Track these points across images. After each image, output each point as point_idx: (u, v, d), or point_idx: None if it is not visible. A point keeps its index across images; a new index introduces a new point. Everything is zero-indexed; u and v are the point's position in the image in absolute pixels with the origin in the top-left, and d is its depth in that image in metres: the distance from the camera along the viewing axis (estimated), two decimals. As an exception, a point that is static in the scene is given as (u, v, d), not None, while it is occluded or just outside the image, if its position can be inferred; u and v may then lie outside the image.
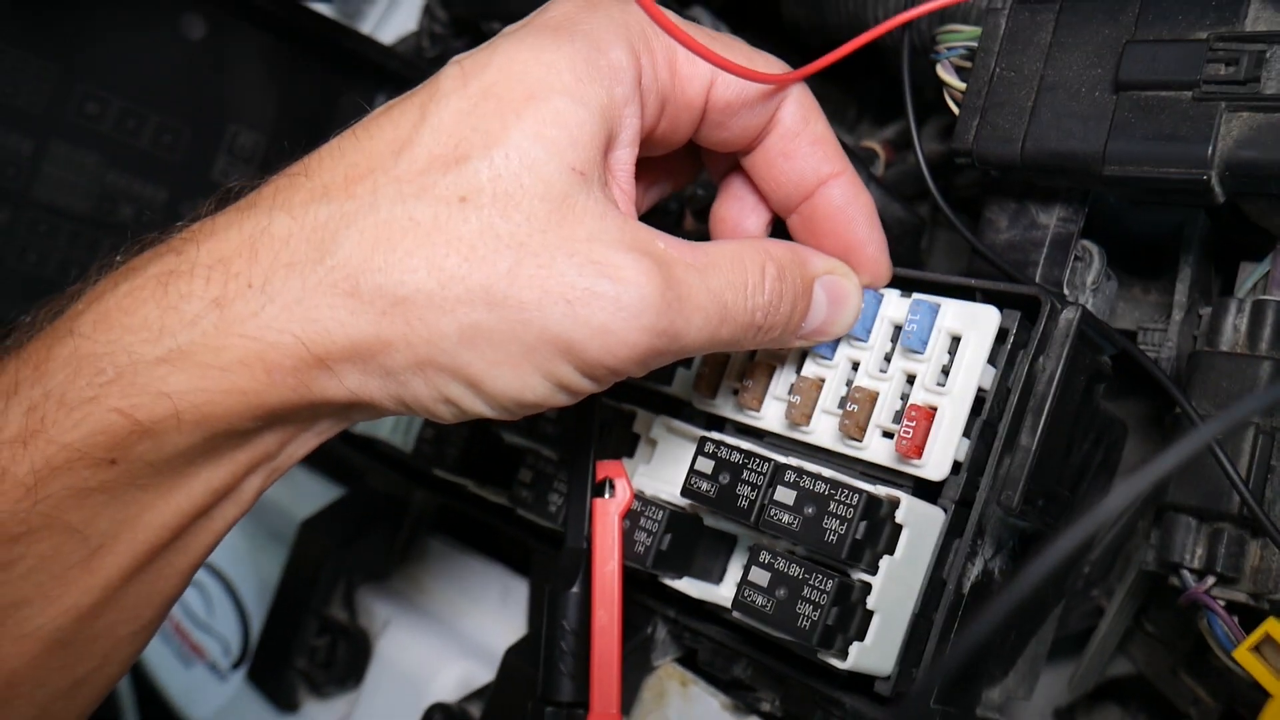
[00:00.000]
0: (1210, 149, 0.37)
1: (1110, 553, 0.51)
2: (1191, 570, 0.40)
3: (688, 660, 0.48)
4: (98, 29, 0.60)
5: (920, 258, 0.60)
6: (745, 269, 0.36)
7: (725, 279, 0.36)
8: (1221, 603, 0.39)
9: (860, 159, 0.54)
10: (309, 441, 0.37)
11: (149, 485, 0.34)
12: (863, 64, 0.69)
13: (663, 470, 0.46)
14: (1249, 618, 0.39)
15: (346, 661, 0.57)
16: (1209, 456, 0.38)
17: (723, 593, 0.44)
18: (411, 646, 0.56)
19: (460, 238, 0.33)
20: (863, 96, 0.74)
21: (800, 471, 0.39)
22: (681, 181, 0.45)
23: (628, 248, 0.33)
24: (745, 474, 0.40)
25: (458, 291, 0.32)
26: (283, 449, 0.36)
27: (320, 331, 0.33)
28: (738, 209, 0.43)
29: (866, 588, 0.37)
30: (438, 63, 0.69)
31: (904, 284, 0.42)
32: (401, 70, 0.68)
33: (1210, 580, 0.39)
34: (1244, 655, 0.36)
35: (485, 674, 0.53)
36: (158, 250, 0.34)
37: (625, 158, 0.37)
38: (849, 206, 0.41)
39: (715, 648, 0.45)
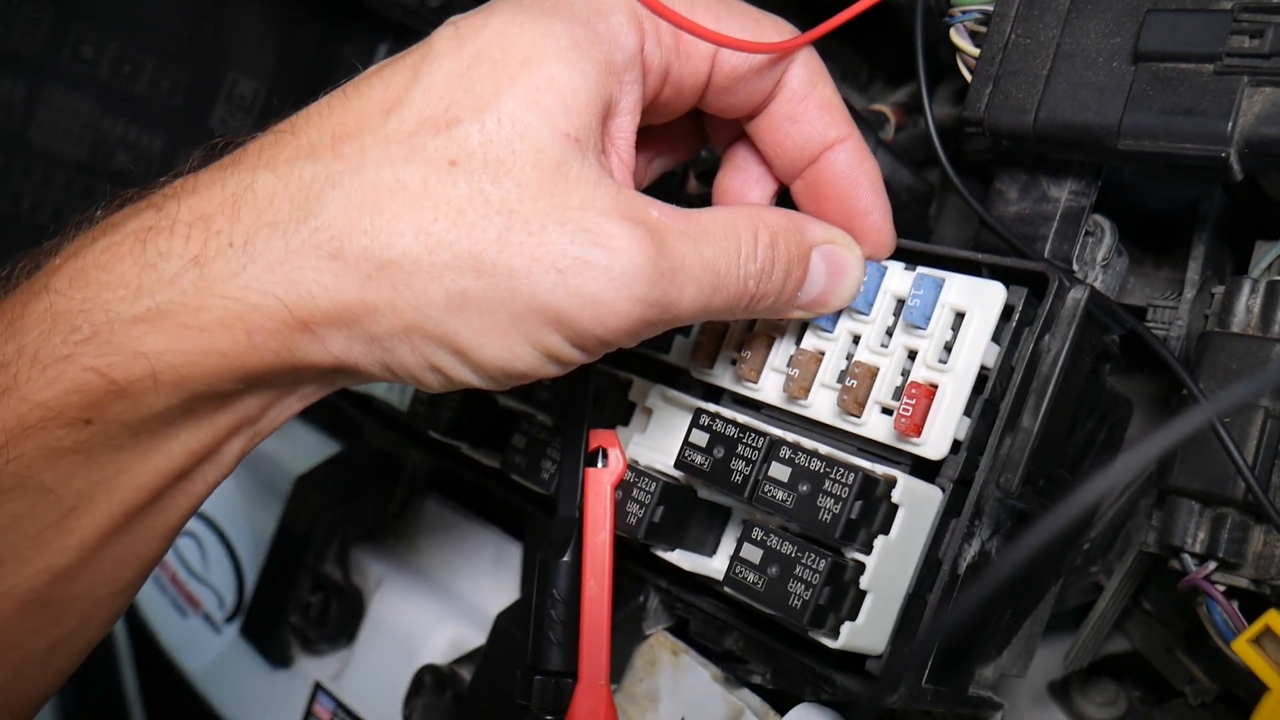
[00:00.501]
0: (1230, 125, 0.35)
1: (1111, 530, 0.50)
2: (1193, 554, 0.39)
3: (680, 630, 0.47)
4: None
5: (928, 226, 0.59)
6: (739, 236, 0.36)
7: (718, 247, 0.35)
8: (1222, 588, 0.38)
9: (869, 123, 0.53)
10: (292, 405, 0.36)
11: (125, 446, 0.33)
12: (875, 23, 0.68)
13: (657, 440, 0.45)
14: (1250, 603, 0.39)
15: (340, 619, 0.57)
16: (1215, 441, 0.37)
17: (716, 565, 0.43)
18: (404, 607, 0.55)
19: (449, 202, 0.32)
20: (874, 57, 0.72)
21: (796, 448, 0.38)
22: (685, 153, 0.44)
23: (621, 216, 0.33)
24: (740, 448, 0.39)
25: (445, 257, 0.32)
26: (264, 413, 0.36)
27: (303, 294, 0.32)
28: (741, 180, 0.42)
29: (860, 567, 0.37)
30: (442, 13, 0.68)
31: (908, 256, 0.41)
32: (405, 20, 0.67)
33: (1211, 565, 0.39)
34: (1242, 647, 0.35)
35: (477, 637, 0.52)
36: (137, 206, 0.33)
37: (625, 125, 0.36)
38: (853, 172, 0.40)
39: (707, 619, 0.45)
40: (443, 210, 0.32)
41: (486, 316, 0.32)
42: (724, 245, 0.35)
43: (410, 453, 0.61)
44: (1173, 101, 0.37)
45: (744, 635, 0.44)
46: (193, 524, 0.67)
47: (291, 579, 0.59)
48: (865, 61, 0.72)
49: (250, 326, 0.32)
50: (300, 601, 0.58)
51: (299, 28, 0.66)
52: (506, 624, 0.48)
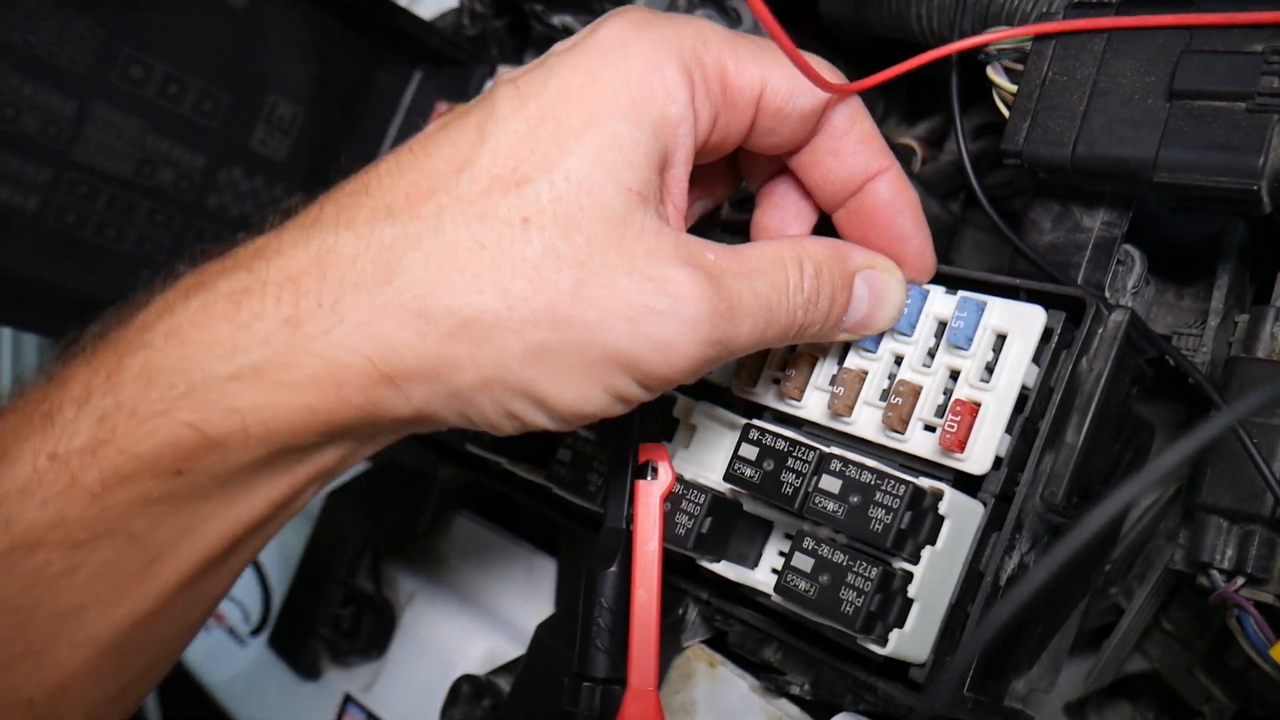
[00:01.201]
0: (1262, 160, 0.38)
1: (1131, 552, 0.52)
2: (1221, 570, 0.41)
3: (716, 642, 0.49)
4: None
5: (949, 257, 0.61)
6: (785, 269, 0.37)
7: (769, 281, 0.37)
8: (1250, 603, 0.40)
9: (902, 155, 0.55)
10: (365, 452, 0.38)
11: (212, 496, 0.34)
12: (892, 62, 0.70)
13: (701, 455, 0.47)
14: (1273, 618, 0.40)
15: (371, 631, 0.58)
16: (1244, 459, 0.39)
17: (758, 577, 0.44)
18: (437, 619, 0.56)
19: (525, 259, 0.33)
20: (890, 93, 0.75)
21: (845, 461, 0.40)
22: (724, 192, 0.46)
23: (682, 263, 0.34)
24: (790, 461, 0.41)
25: (524, 313, 0.33)
26: (342, 462, 0.37)
27: (390, 352, 0.33)
28: (780, 217, 0.43)
29: (908, 576, 0.38)
30: (477, 41, 0.70)
31: (948, 281, 0.43)
32: (441, 47, 0.69)
33: (1239, 581, 0.40)
34: None
35: (511, 649, 0.53)
36: (225, 265, 0.35)
37: (680, 175, 0.38)
38: (895, 200, 0.41)
39: (746, 630, 0.46)
40: (519, 267, 0.33)
41: (563, 366, 0.34)
42: (773, 279, 0.37)
43: (441, 469, 0.62)
44: (1206, 137, 0.39)
45: (784, 646, 0.45)
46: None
47: (321, 592, 0.60)
48: (881, 97, 0.74)
49: (340, 382, 0.33)
50: (331, 614, 0.59)
51: (336, 54, 0.68)
52: (546, 634, 0.49)
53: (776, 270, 0.37)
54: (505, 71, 0.62)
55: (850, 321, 0.41)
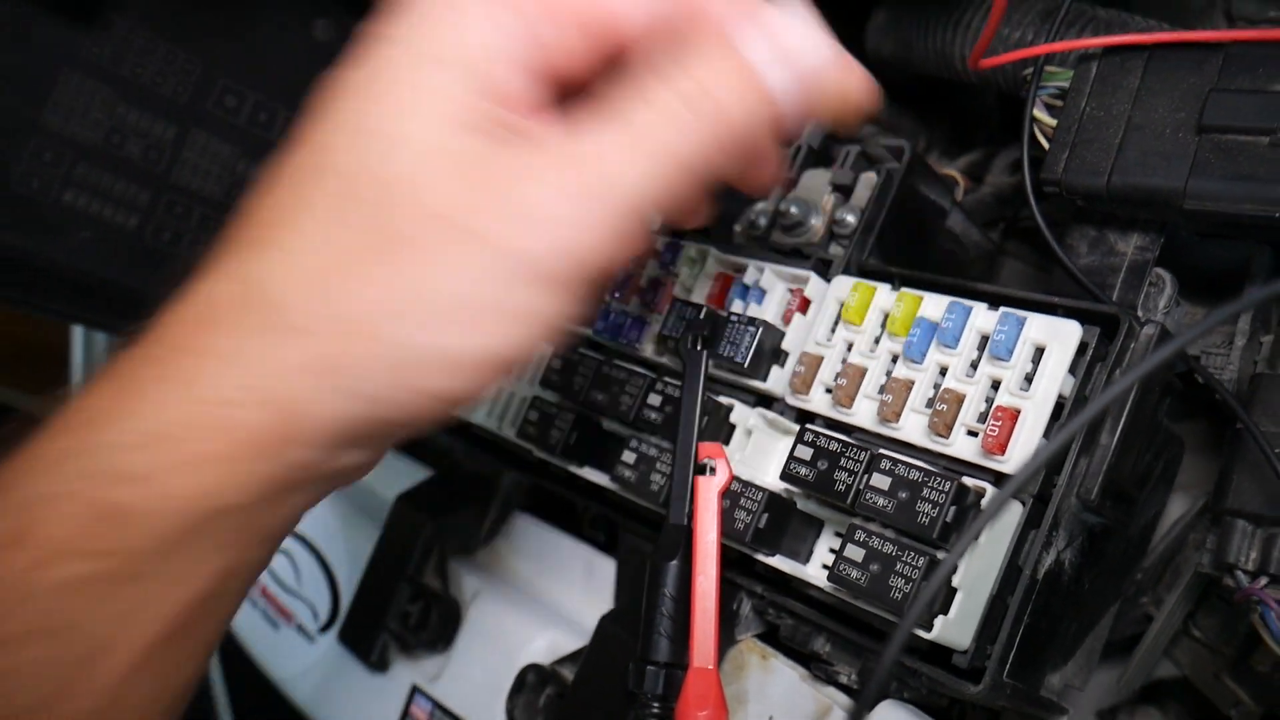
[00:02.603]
0: (1284, 189, 0.41)
1: (1161, 563, 0.55)
2: (1246, 571, 0.44)
3: (768, 636, 0.52)
4: (241, 29, 0.65)
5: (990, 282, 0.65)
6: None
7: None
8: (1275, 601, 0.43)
9: (945, 184, 0.58)
10: (306, 503, 0.36)
11: (145, 575, 0.32)
12: (936, 97, 0.74)
13: (755, 459, 0.50)
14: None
15: (438, 625, 0.61)
16: (1268, 468, 0.42)
17: (810, 571, 0.48)
18: (502, 614, 0.60)
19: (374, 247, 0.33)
20: (933, 127, 0.78)
21: (895, 460, 0.43)
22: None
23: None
24: (843, 461, 0.44)
25: (396, 299, 0.32)
26: (281, 517, 0.35)
27: (284, 387, 0.32)
28: None
29: (952, 566, 0.41)
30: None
31: (991, 298, 0.46)
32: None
33: (1263, 580, 0.43)
34: (1299, 644, 0.39)
35: (573, 642, 0.57)
36: (126, 345, 0.34)
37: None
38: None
39: (796, 623, 0.49)
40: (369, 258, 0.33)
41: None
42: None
43: (504, 475, 0.65)
44: (1233, 168, 0.42)
45: (833, 636, 0.48)
46: (287, 543, 0.72)
47: (391, 589, 0.63)
48: (924, 130, 0.78)
49: (245, 435, 0.32)
50: (400, 610, 0.62)
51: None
52: (610, 624, 0.52)
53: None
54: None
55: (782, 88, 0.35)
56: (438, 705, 0.59)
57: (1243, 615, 0.46)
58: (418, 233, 0.32)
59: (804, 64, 0.36)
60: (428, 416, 0.34)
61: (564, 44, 0.36)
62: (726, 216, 0.61)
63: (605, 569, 0.60)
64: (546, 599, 0.60)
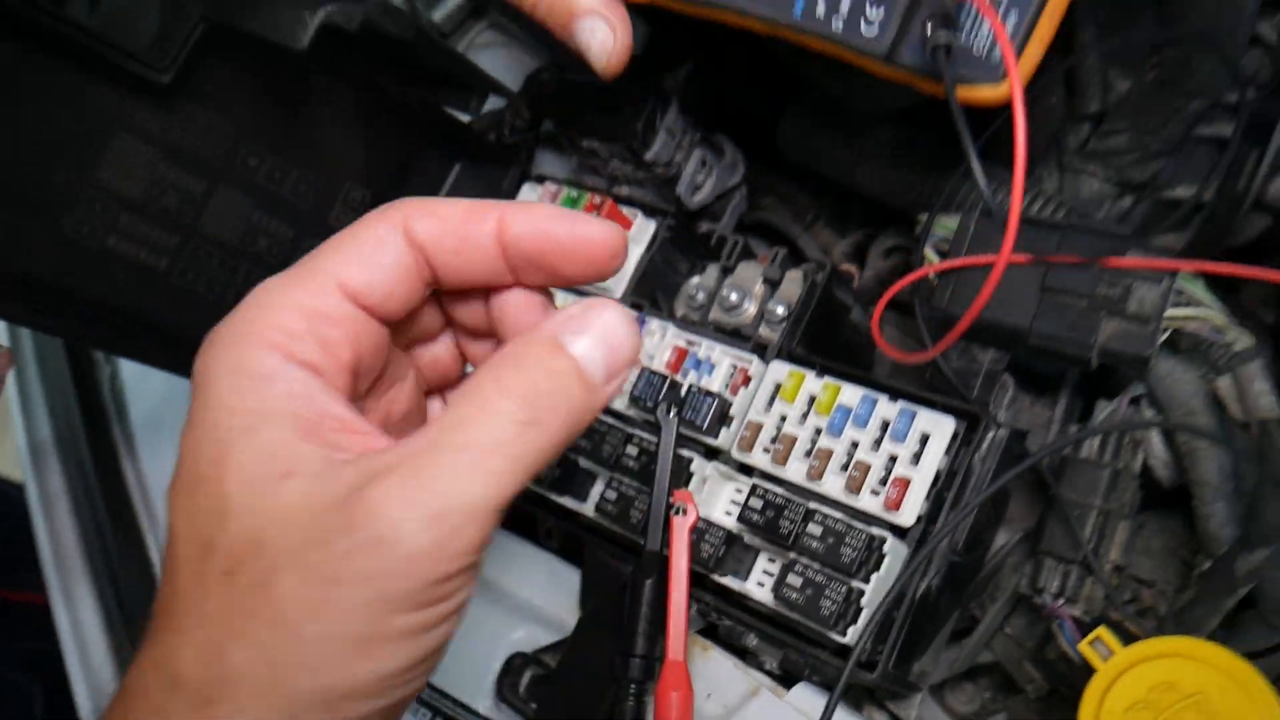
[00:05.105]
0: (1094, 338, 0.60)
1: (987, 578, 0.74)
2: (1050, 594, 0.63)
3: (708, 632, 0.68)
4: (280, 112, 0.75)
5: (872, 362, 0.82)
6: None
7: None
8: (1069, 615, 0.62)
9: (844, 281, 0.76)
10: None
11: None
12: (838, 196, 0.90)
13: (709, 500, 0.66)
14: (1080, 626, 0.63)
15: (425, 616, 0.74)
16: (1072, 524, 0.61)
17: (749, 587, 0.64)
18: (482, 609, 0.73)
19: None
20: (821, 202, 0.94)
21: (824, 514, 0.60)
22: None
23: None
24: (787, 511, 0.61)
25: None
26: None
27: None
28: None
29: (861, 591, 0.59)
30: (512, 149, 0.87)
31: (892, 392, 0.64)
32: (478, 149, 0.86)
33: (1061, 601, 0.63)
34: (1084, 648, 0.58)
35: (547, 635, 0.71)
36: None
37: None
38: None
39: (733, 624, 0.66)
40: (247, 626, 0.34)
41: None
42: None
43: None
44: (1063, 319, 0.61)
45: (761, 635, 0.65)
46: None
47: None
48: (814, 203, 0.94)
49: None
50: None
51: (397, 147, 0.84)
52: (588, 621, 0.67)
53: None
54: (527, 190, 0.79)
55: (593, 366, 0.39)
56: (432, 686, 0.73)
57: (1044, 622, 0.66)
58: (284, 585, 0.34)
59: (621, 354, 0.40)
60: None
61: (365, 345, 0.41)
62: (669, 289, 0.76)
63: (563, 573, 0.74)
64: (519, 598, 0.75)
